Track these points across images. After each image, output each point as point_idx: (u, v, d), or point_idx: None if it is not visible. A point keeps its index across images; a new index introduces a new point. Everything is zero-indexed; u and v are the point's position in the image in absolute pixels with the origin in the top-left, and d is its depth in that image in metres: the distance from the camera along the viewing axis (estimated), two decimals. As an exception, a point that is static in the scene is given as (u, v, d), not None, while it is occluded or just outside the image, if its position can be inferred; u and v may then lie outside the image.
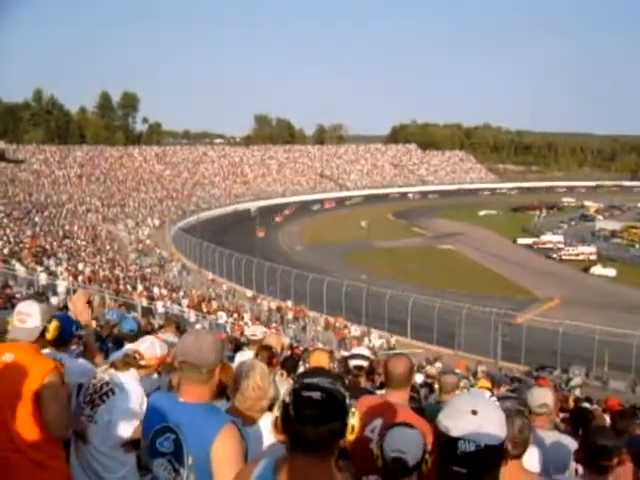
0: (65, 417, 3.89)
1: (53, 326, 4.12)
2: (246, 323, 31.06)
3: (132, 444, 4.16)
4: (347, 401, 2.18)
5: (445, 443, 1.87)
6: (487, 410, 1.88)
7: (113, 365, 4.28)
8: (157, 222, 78.07)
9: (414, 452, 3.06)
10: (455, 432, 1.85)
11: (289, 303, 41.73)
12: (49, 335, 4.11)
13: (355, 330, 37.87)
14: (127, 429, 4.09)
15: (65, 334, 4.60)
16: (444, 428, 1.88)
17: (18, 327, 3.97)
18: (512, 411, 3.18)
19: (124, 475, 4.19)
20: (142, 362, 4.39)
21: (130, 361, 4.32)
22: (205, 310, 34.54)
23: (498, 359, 33.77)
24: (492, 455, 1.83)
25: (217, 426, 2.78)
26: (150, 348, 4.50)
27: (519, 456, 3.00)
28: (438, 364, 30.18)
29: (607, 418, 8.06)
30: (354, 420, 2.17)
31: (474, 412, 1.86)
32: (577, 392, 24.37)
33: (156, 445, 2.92)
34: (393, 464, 3.08)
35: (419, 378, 14.11)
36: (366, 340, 35.20)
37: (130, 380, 4.21)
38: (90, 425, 4.11)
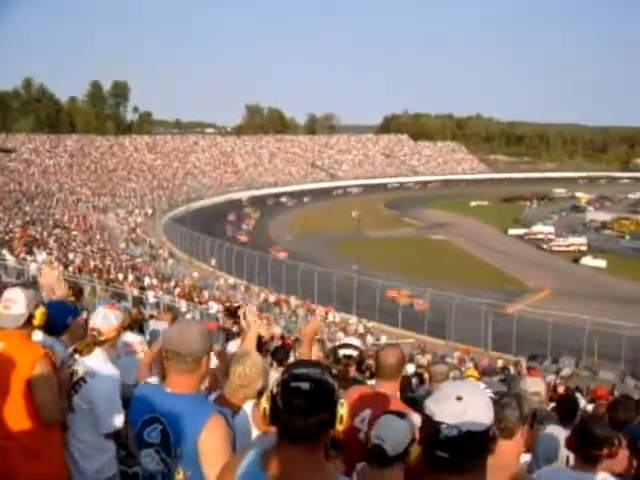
0: (56, 402, 3.86)
1: (39, 312, 4.07)
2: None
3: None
4: (336, 392, 2.16)
5: (429, 427, 1.88)
6: (472, 396, 1.88)
7: (76, 351, 4.21)
8: (148, 212, 77.86)
9: (394, 442, 3.05)
10: (439, 417, 1.86)
11: (291, 296, 41.71)
12: (36, 322, 4.07)
13: (334, 317, 37.98)
14: (112, 414, 4.07)
15: (57, 322, 4.56)
16: (429, 412, 1.89)
17: (3, 314, 3.94)
18: (504, 393, 3.18)
19: (103, 464, 4.18)
20: (102, 337, 4.30)
21: (90, 341, 4.24)
22: (196, 300, 34.48)
23: (489, 349, 33.90)
24: (475, 441, 1.83)
25: (204, 416, 2.76)
26: (105, 320, 4.37)
27: (508, 435, 2.99)
28: (428, 356, 30.47)
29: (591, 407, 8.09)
30: (343, 411, 2.14)
31: (459, 398, 1.86)
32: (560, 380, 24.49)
33: (143, 436, 2.90)
34: (372, 450, 3.09)
35: (410, 368, 14.14)
36: (357, 328, 35.42)
37: (98, 362, 4.14)
38: (69, 413, 4.08)
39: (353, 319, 37.96)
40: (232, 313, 5.01)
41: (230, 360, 3.73)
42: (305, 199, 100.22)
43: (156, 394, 2.93)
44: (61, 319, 4.68)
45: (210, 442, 2.71)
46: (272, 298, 40.59)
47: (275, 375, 4.31)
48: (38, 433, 3.80)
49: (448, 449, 1.83)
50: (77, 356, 4.18)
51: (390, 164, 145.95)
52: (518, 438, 2.77)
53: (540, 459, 4.13)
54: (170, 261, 50.57)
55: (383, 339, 33.48)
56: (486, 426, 1.85)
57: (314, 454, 2.14)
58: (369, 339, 32.48)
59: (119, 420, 4.11)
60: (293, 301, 40.31)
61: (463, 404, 1.85)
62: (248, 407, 3.60)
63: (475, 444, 1.83)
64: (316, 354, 5.01)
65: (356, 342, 5.35)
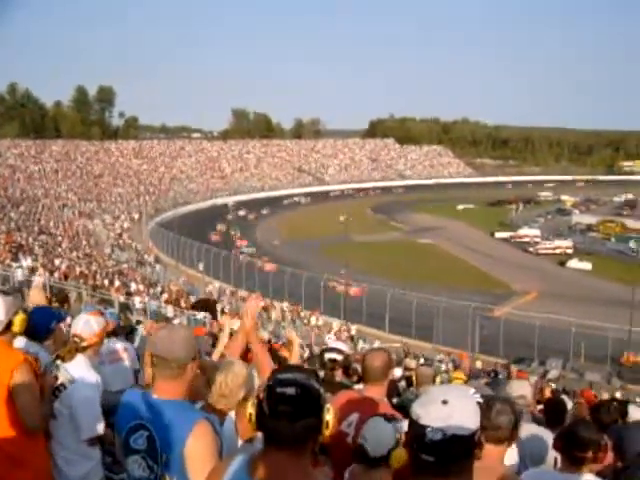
0: (36, 408, 3.82)
1: (19, 319, 4.06)
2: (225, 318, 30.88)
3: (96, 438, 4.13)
4: (322, 397, 2.15)
5: (415, 431, 1.88)
6: (458, 401, 1.88)
7: (58, 357, 4.19)
8: (135, 217, 77.59)
9: (375, 443, 3.10)
10: (424, 420, 1.85)
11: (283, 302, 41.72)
12: (16, 328, 4.06)
13: (317, 320, 38.02)
14: (92, 420, 4.05)
15: (40, 327, 4.57)
16: (415, 416, 1.89)
17: None
18: (493, 397, 3.20)
19: (88, 471, 4.16)
20: (84, 343, 4.28)
21: (72, 347, 4.22)
22: (183, 305, 34.36)
23: (476, 352, 34.00)
24: (460, 445, 1.83)
25: (190, 423, 2.74)
26: (86, 326, 4.36)
27: (501, 441, 3.02)
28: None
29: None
30: (329, 416, 2.14)
31: (444, 402, 1.86)
32: (553, 385, 24.56)
33: (130, 442, 2.88)
34: (356, 450, 3.15)
35: (398, 372, 14.13)
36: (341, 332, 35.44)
37: (79, 368, 4.12)
38: (51, 420, 4.06)
39: (336, 322, 37.98)
40: (205, 307, 4.90)
41: (212, 369, 3.71)
42: (264, 211, 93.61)
43: (142, 400, 2.91)
44: (45, 324, 4.68)
45: (197, 448, 2.70)
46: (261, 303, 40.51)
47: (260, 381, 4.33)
48: (20, 440, 3.76)
49: (433, 452, 1.83)
50: (59, 362, 4.16)
51: (376, 168, 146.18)
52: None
53: (527, 461, 4.15)
54: (157, 266, 50.43)
55: (377, 344, 33.57)
56: (472, 430, 1.85)
57: (300, 460, 2.13)
58: (361, 344, 32.53)
59: (99, 426, 4.09)
60: (278, 305, 40.27)
61: (449, 408, 1.84)
62: (234, 414, 3.58)
63: (460, 448, 1.83)
64: (296, 357, 5.00)
65: (342, 346, 5.36)
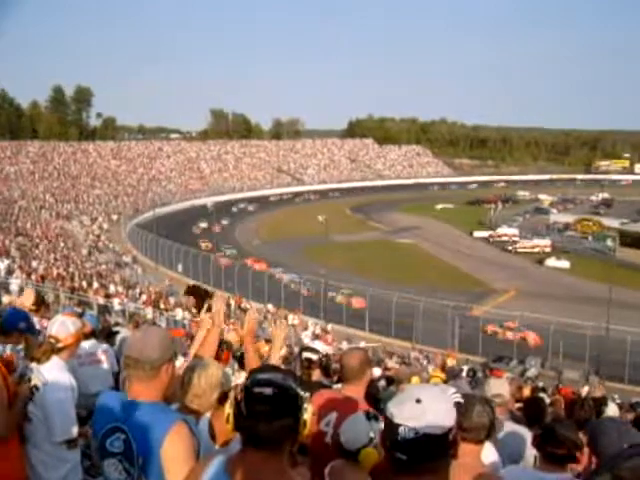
0: (1, 414, 3.80)
1: None
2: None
3: (75, 440, 4.10)
4: (300, 397, 2.17)
5: (388, 429, 1.89)
6: (432, 400, 1.88)
7: (34, 359, 4.16)
8: (114, 218, 77.14)
9: (348, 436, 3.14)
10: (397, 419, 1.86)
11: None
12: None
13: (294, 319, 38.05)
14: (65, 422, 4.01)
15: (6, 325, 4.63)
16: (389, 414, 1.90)
17: None
18: (473, 397, 3.22)
19: (65, 474, 4.12)
20: (59, 345, 4.23)
21: (48, 348, 4.18)
22: (163, 307, 34.24)
23: (455, 351, 34.15)
24: (433, 444, 1.83)
25: (167, 425, 2.72)
26: (62, 327, 4.30)
27: (480, 441, 3.03)
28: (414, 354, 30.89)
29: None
30: (306, 416, 2.16)
31: (418, 400, 1.87)
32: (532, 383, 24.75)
33: (106, 445, 2.85)
34: (334, 442, 3.26)
35: (377, 372, 14.16)
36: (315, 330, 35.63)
37: (53, 370, 4.09)
38: (25, 423, 4.03)
39: (310, 321, 38.02)
40: (194, 293, 4.77)
41: (185, 370, 3.67)
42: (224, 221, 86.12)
43: (119, 403, 2.89)
44: (12, 323, 4.68)
45: (174, 450, 2.68)
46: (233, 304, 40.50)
47: (240, 381, 4.31)
48: None
49: (406, 451, 1.84)
50: (34, 365, 4.13)
51: (355, 168, 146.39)
52: None
53: (504, 459, 4.17)
54: (136, 268, 50.16)
55: (362, 344, 33.65)
56: (445, 429, 1.85)
57: (278, 459, 2.14)
58: (344, 344, 32.59)
59: (73, 429, 4.05)
60: (252, 305, 40.25)
61: (422, 407, 1.85)
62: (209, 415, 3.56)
63: (433, 447, 1.84)
64: (275, 355, 4.99)
65: (320, 346, 5.37)
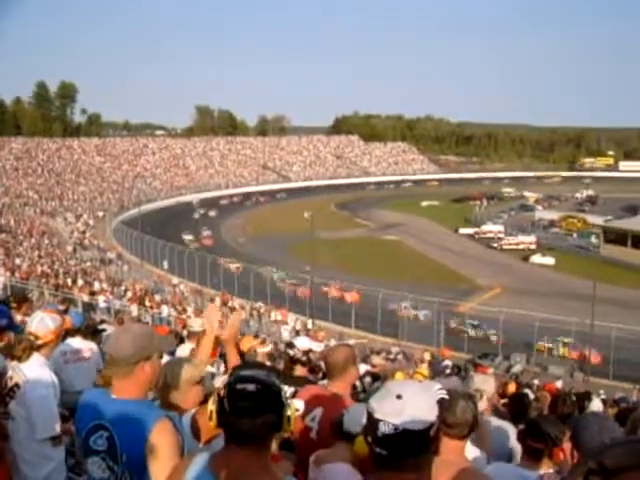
0: None
1: None
2: (189, 316, 30.74)
3: (59, 437, 4.08)
4: (283, 393, 2.18)
5: (369, 424, 1.89)
6: (413, 395, 1.88)
7: (15, 357, 4.15)
8: (99, 215, 76.78)
9: (349, 418, 3.22)
10: (378, 414, 1.87)
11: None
12: None
13: (276, 315, 38.17)
14: (47, 419, 4.00)
15: None
16: (370, 409, 1.90)
17: None
18: (456, 393, 3.23)
19: (49, 472, 4.11)
20: (39, 342, 4.22)
21: (27, 346, 4.16)
22: (148, 304, 34.10)
23: (441, 347, 34.28)
24: (412, 440, 1.83)
25: (151, 421, 2.71)
26: (41, 324, 4.30)
27: (464, 437, 3.05)
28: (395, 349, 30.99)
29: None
30: (290, 412, 2.17)
31: (399, 396, 1.87)
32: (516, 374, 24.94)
33: (90, 443, 2.84)
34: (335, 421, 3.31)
35: (363, 368, 14.17)
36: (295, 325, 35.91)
37: (33, 367, 4.09)
38: (8, 422, 4.03)
39: (291, 317, 38.12)
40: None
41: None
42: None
43: (102, 400, 2.87)
44: None
45: (158, 447, 2.67)
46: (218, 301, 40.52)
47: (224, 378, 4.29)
48: None
49: (386, 446, 1.84)
50: (14, 363, 4.11)
51: (341, 165, 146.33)
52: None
53: (489, 455, 4.19)
54: (121, 265, 49.93)
55: (352, 342, 33.74)
56: (425, 425, 1.85)
57: (261, 456, 2.15)
58: (332, 341, 32.67)
59: (56, 426, 4.04)
60: (238, 308, 40.30)
61: (402, 402, 1.85)
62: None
63: (413, 443, 1.84)
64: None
65: (306, 342, 5.35)
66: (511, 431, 4.62)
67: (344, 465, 3.04)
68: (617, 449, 1.42)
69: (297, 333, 33.18)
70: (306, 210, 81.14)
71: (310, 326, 36.86)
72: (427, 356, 30.49)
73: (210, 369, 4.69)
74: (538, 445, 3.65)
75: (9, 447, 4.03)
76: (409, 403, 1.85)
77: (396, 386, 1.95)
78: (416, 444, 1.84)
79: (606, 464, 1.36)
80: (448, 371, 12.80)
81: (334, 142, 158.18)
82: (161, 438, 2.69)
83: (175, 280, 45.54)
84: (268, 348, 7.00)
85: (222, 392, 2.13)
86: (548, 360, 32.66)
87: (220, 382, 2.96)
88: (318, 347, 5.83)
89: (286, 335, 33.22)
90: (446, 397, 2.07)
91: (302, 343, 5.25)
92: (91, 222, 70.71)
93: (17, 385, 4.03)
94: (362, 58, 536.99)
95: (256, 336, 10.81)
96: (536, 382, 21.16)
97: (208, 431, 3.04)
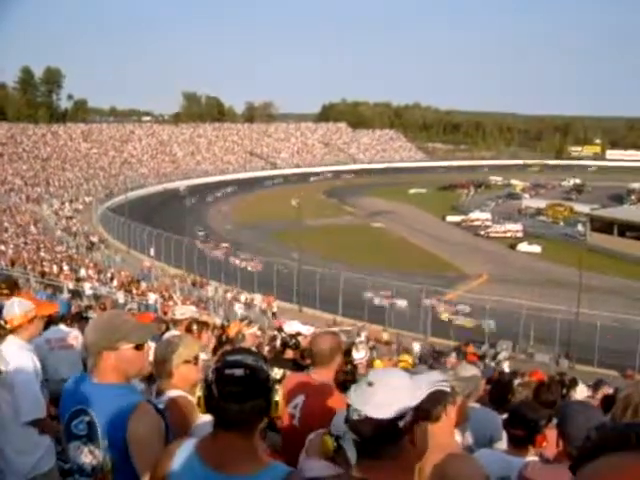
0: None
1: None
2: (175, 303, 30.73)
3: (45, 424, 4.08)
4: (270, 378, 2.20)
5: (347, 412, 1.92)
6: (383, 384, 1.89)
7: None
8: (85, 201, 76.46)
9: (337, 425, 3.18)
10: (350, 400, 1.91)
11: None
12: None
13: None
14: (30, 401, 4.02)
15: None
16: (348, 396, 1.95)
17: None
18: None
19: (38, 459, 4.11)
20: (8, 326, 4.23)
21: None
22: (135, 291, 34.04)
23: (428, 335, 34.40)
24: (379, 428, 1.84)
25: (131, 405, 2.72)
26: (9, 309, 4.31)
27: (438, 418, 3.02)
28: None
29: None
30: (277, 397, 2.18)
31: (370, 384, 1.89)
32: (505, 366, 25.06)
33: (71, 428, 2.84)
34: None
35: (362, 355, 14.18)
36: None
37: (12, 351, 4.11)
38: None
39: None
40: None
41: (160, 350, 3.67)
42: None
43: (83, 386, 2.88)
44: None
45: (139, 431, 2.68)
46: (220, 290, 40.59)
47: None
48: None
49: (357, 433, 1.87)
50: None
51: (329, 152, 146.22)
52: (444, 419, 2.79)
53: (473, 441, 4.20)
54: (107, 252, 49.77)
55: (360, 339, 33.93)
56: (392, 414, 1.85)
57: (249, 441, 2.17)
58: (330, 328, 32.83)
59: (41, 408, 4.04)
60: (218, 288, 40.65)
61: (372, 390, 1.87)
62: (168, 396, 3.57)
63: (379, 431, 1.85)
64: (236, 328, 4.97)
65: (292, 327, 5.36)
66: (495, 418, 4.63)
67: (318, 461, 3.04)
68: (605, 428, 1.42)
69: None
70: (294, 197, 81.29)
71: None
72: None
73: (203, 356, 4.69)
74: (518, 432, 3.68)
75: None
76: (378, 391, 1.86)
77: (372, 374, 1.99)
78: (383, 433, 1.85)
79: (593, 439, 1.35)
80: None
81: (322, 129, 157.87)
82: (141, 422, 2.69)
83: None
84: (254, 329, 7.05)
85: (210, 377, 2.14)
86: (534, 347, 32.84)
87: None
88: (308, 331, 5.85)
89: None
90: (447, 390, 2.06)
91: (291, 327, 5.27)
92: (80, 207, 70.46)
93: None
94: (350, 45, 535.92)
95: (242, 320, 10.88)
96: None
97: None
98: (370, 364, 6.82)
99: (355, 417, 1.86)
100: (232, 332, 5.63)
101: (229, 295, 39.31)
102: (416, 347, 30.89)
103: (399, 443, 1.90)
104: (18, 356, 4.08)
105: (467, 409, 3.50)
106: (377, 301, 37.66)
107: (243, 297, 38.89)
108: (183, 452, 2.25)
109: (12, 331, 4.21)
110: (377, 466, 1.91)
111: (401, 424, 1.86)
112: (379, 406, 1.84)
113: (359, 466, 1.96)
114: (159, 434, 2.74)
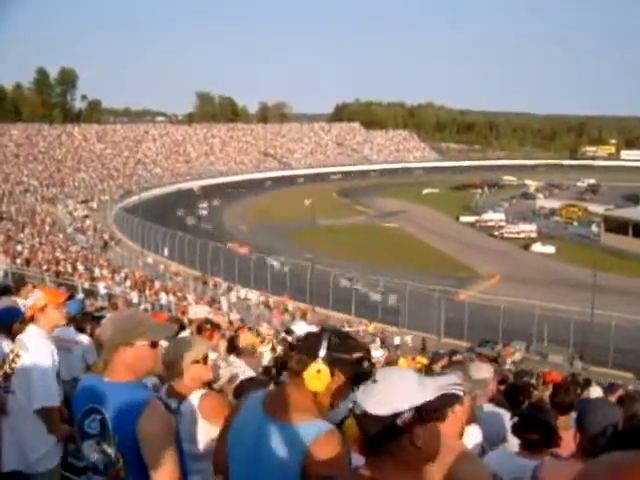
0: None
1: None
2: (190, 304, 30.78)
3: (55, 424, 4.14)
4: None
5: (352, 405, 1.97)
6: (388, 381, 1.89)
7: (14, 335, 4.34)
8: (102, 199, 76.86)
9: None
10: (356, 396, 1.95)
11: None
12: None
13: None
14: (45, 386, 4.09)
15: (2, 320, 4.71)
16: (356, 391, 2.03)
17: None
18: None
19: (44, 455, 4.15)
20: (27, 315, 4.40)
21: (21, 320, 4.42)
22: (148, 291, 34.13)
23: (441, 335, 34.33)
24: (377, 424, 1.84)
25: (140, 403, 2.73)
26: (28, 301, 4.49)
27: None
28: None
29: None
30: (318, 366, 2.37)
31: (374, 380, 1.91)
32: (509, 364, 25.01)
33: (84, 427, 2.86)
34: None
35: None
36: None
37: (32, 338, 4.20)
38: (8, 396, 4.10)
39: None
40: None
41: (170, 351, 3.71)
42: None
43: (95, 384, 2.89)
44: (7, 320, 4.72)
45: (149, 428, 2.69)
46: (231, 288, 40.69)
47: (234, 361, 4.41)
48: None
49: (360, 427, 1.90)
50: (19, 336, 4.25)
51: (342, 153, 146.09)
52: (451, 419, 2.78)
53: (484, 442, 4.19)
54: (121, 252, 49.93)
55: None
56: (390, 412, 1.84)
57: (301, 395, 2.40)
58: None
59: (52, 396, 4.11)
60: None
61: (375, 386, 1.88)
62: (196, 397, 3.58)
63: (376, 426, 1.85)
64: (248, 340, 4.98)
65: (300, 328, 5.37)
66: (506, 417, 4.62)
67: None
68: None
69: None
70: (307, 197, 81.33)
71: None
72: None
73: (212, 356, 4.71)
74: (534, 436, 3.66)
75: (6, 424, 4.08)
76: (381, 388, 1.87)
77: (380, 371, 2.00)
78: (381, 430, 1.85)
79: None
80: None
81: (335, 129, 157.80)
82: (151, 419, 2.71)
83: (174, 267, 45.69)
84: (268, 347, 7.02)
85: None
86: (548, 348, 32.68)
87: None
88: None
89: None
90: (459, 394, 2.05)
91: (300, 328, 5.27)
92: (90, 209, 70.75)
93: (17, 355, 4.13)
94: (363, 45, 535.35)
95: (258, 334, 10.83)
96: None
97: (220, 412, 3.23)
98: (394, 362, 6.82)
99: (357, 412, 1.88)
100: (243, 342, 5.66)
101: (242, 293, 39.60)
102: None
103: (398, 441, 1.88)
104: (37, 344, 4.16)
105: (474, 410, 3.49)
106: (391, 300, 37.75)
107: (254, 296, 39.12)
108: (249, 404, 2.53)
109: (31, 321, 4.30)
110: (376, 462, 1.92)
111: (399, 422, 1.84)
112: (378, 402, 1.84)
113: (366, 461, 1.98)
114: (169, 431, 2.76)
